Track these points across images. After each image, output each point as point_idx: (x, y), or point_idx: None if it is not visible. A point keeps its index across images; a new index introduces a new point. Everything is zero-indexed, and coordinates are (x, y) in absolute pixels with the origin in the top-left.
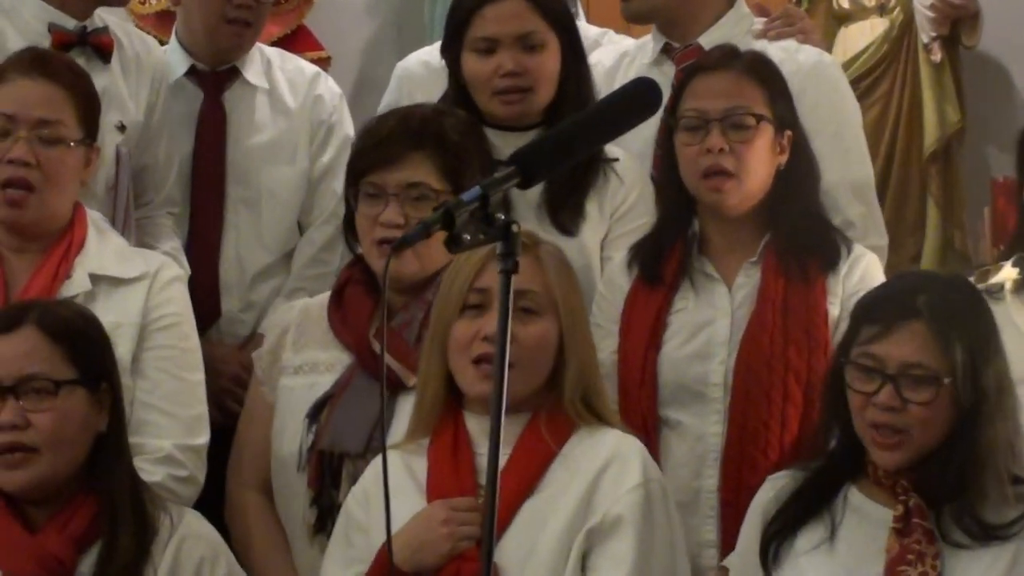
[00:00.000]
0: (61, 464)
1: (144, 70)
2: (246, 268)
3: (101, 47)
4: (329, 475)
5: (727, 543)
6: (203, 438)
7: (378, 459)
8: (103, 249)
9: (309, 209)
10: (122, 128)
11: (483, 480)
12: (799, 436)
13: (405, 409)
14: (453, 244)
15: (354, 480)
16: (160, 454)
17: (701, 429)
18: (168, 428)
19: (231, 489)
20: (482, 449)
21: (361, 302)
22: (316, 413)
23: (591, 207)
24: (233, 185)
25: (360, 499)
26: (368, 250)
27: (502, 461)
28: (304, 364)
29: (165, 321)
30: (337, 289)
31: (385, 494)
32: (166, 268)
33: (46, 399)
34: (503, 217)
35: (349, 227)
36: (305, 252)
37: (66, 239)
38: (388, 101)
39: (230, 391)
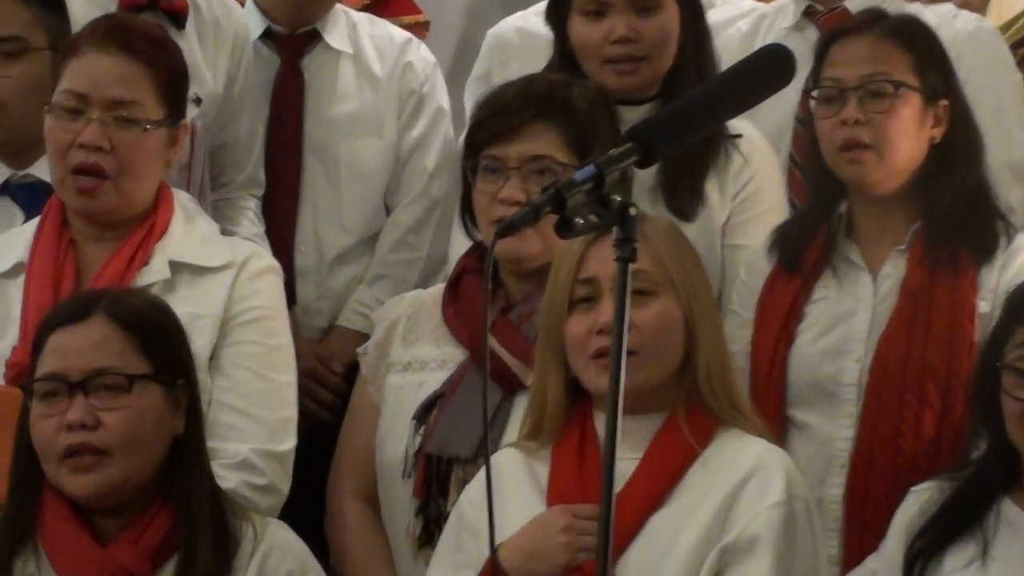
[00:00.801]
0: (134, 469)
1: (223, 36)
2: (324, 252)
3: (174, 11)
4: (436, 482)
5: (850, 559)
6: (287, 444)
7: (496, 455)
8: (188, 235)
9: (396, 187)
10: (197, 101)
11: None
12: (937, 443)
13: (522, 411)
14: (564, 228)
15: (462, 487)
16: (236, 459)
17: (830, 432)
18: (247, 431)
19: (331, 498)
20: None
21: (479, 293)
22: (425, 414)
23: (711, 189)
24: (311, 160)
25: (475, 499)
26: (486, 231)
27: (631, 466)
28: (414, 360)
29: (251, 315)
30: (453, 279)
31: (489, 505)
32: (257, 258)
33: (118, 396)
34: (619, 199)
35: (466, 207)
36: (390, 235)
37: (147, 223)
38: (478, 72)
39: (304, 388)
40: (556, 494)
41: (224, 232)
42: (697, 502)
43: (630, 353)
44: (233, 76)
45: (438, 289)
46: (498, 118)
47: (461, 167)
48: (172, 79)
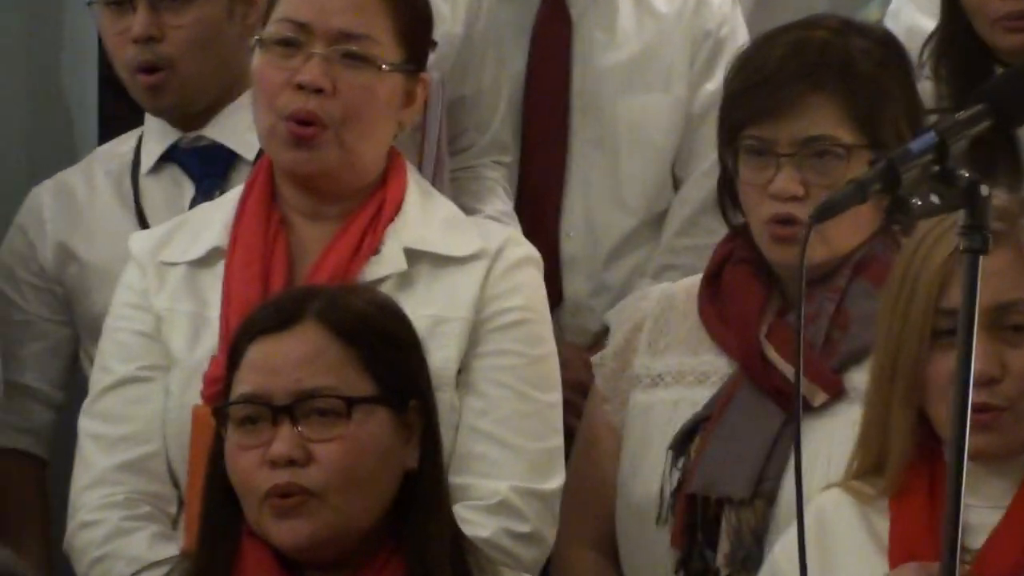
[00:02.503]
0: (354, 514)
1: None
2: (599, 237)
3: None
4: (702, 529)
5: None
6: (555, 481)
7: (818, 500)
8: (427, 217)
9: (687, 156)
10: (432, 45)
11: (972, 542)
12: None
13: (810, 437)
14: (898, 211)
15: (737, 536)
16: (492, 500)
17: None
18: (506, 465)
19: (560, 544)
20: (971, 500)
21: (747, 289)
22: (684, 443)
23: None
24: (580, 121)
25: (792, 554)
26: (758, 230)
27: (993, 517)
28: (666, 373)
29: (508, 317)
30: (712, 271)
31: (801, 553)
32: (513, 245)
33: (334, 424)
34: (967, 175)
35: (725, 192)
36: (680, 214)
37: (375, 199)
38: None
39: (570, 404)
40: (900, 551)
41: (465, 211)
42: None
43: (995, 409)
44: (475, 12)
45: (692, 282)
46: (761, 91)
47: (718, 151)
48: (414, 16)
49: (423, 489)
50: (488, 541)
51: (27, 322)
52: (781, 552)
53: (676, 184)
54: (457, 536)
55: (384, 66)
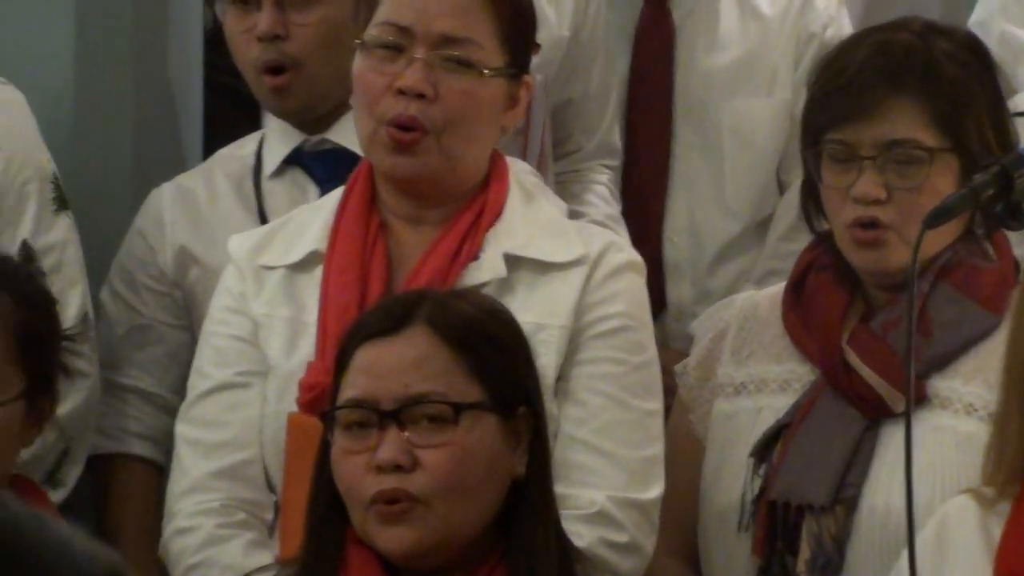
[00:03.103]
0: (460, 521)
1: None
2: (703, 242)
3: None
4: (783, 536)
5: None
6: (653, 491)
7: (944, 508)
8: (529, 221)
9: (793, 160)
10: (535, 48)
11: None
12: None
13: (891, 444)
14: (1011, 217)
15: (818, 543)
16: (590, 510)
17: None
18: (604, 474)
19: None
20: None
21: (830, 296)
22: (766, 450)
23: None
24: (683, 125)
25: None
26: (840, 235)
27: None
28: (749, 381)
29: (608, 324)
30: (796, 278)
31: (911, 559)
32: (615, 251)
33: (441, 429)
34: None
35: (809, 197)
36: (785, 219)
37: (476, 204)
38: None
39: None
40: (1008, 562)
41: (570, 214)
42: None
43: None
44: (581, 16)
45: (776, 290)
46: (844, 95)
47: (800, 153)
48: (517, 18)
49: (530, 497)
50: (585, 551)
51: (146, 326)
52: (902, 561)
53: (781, 188)
54: (564, 546)
55: (486, 71)
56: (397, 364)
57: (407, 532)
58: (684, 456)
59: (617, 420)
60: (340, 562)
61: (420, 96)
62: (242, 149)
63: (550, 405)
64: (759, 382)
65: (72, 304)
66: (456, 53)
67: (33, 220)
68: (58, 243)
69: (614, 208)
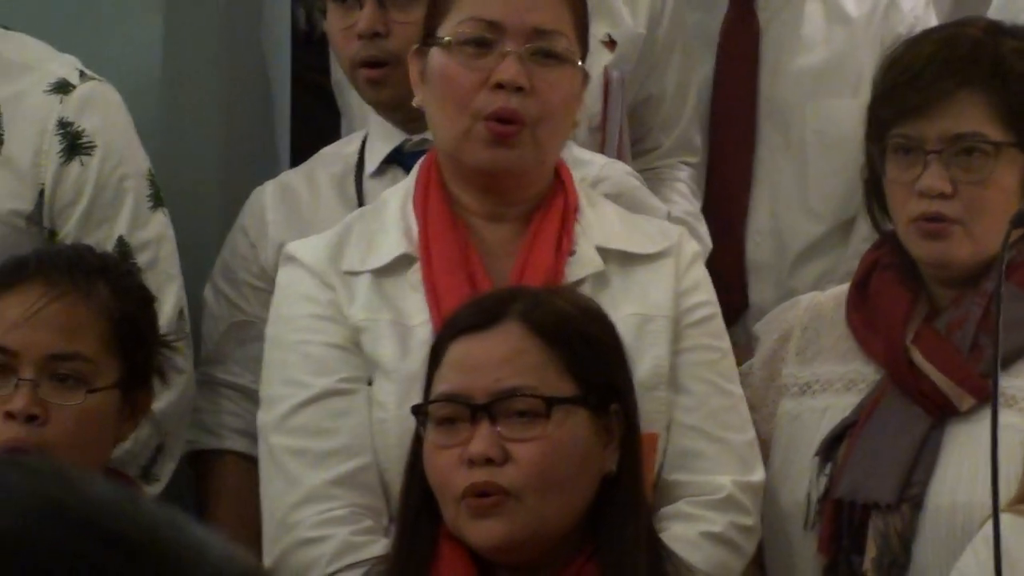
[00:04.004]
0: (551, 516)
1: None
2: (786, 242)
3: None
4: (849, 535)
5: None
6: (760, 473)
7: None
8: (601, 215)
9: None
10: (611, 44)
11: None
12: None
13: (956, 443)
14: None
15: (884, 541)
16: (720, 495)
17: None
18: (720, 460)
19: None
20: None
21: (894, 296)
22: (831, 449)
23: None
24: (768, 126)
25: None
26: (904, 230)
27: None
28: (814, 381)
29: (700, 313)
30: (860, 278)
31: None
32: (687, 240)
33: (533, 424)
34: None
35: (874, 195)
36: (868, 222)
37: (558, 200)
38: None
39: None
40: None
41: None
42: None
43: None
44: (658, 12)
45: (840, 290)
46: (910, 89)
47: (865, 148)
48: (585, 10)
49: (622, 494)
50: (720, 536)
51: (247, 323)
52: (973, 557)
53: None
54: (654, 542)
55: (578, 62)
56: (489, 359)
57: (498, 525)
58: None
59: (721, 406)
60: (432, 557)
61: (518, 89)
62: (345, 148)
63: (665, 395)
64: (824, 382)
65: (168, 300)
66: (548, 46)
67: (130, 216)
68: (154, 239)
69: (694, 205)
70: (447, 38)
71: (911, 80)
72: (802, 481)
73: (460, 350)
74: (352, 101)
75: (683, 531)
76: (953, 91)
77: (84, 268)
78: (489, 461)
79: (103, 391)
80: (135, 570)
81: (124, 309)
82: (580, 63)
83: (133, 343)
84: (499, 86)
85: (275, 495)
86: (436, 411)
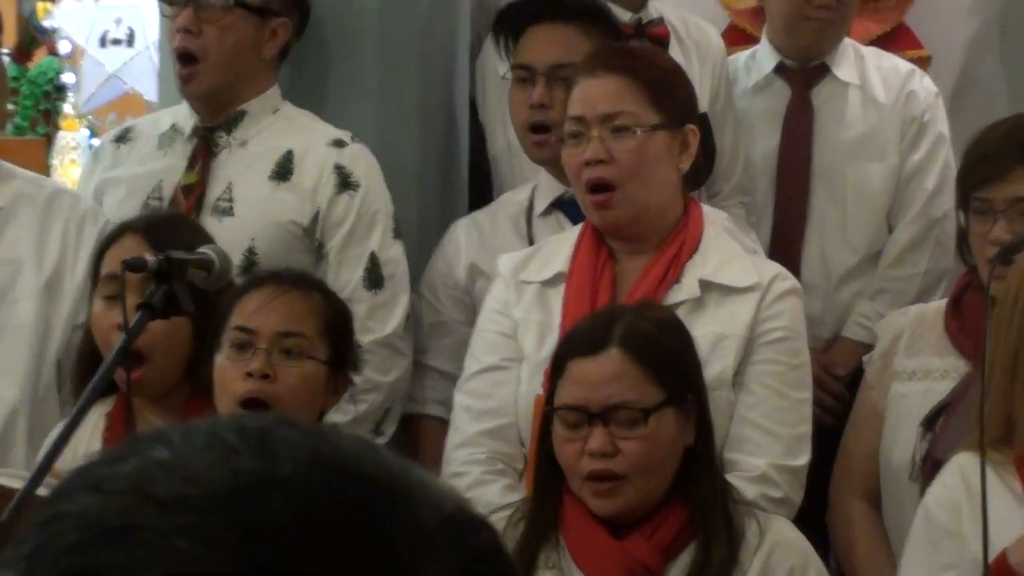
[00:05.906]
0: (651, 488)
1: (705, 58)
2: (831, 269)
3: (658, 37)
4: None
5: None
6: (802, 459)
7: (956, 461)
8: (719, 253)
9: (898, 208)
10: (693, 105)
11: None
12: None
13: None
14: None
15: None
16: (755, 472)
17: None
18: (766, 446)
19: (836, 495)
20: None
21: (980, 309)
22: (932, 421)
23: None
24: (819, 183)
25: (944, 503)
26: (982, 268)
27: None
28: (918, 370)
29: (774, 335)
30: (955, 295)
31: (984, 507)
32: (781, 280)
33: (635, 426)
34: None
35: (963, 241)
36: (891, 252)
37: (679, 239)
38: None
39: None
40: None
41: None
42: None
43: None
44: (716, 93)
45: (939, 304)
46: (984, 163)
47: (955, 207)
48: (660, 84)
49: (699, 459)
50: (752, 502)
51: (443, 323)
52: (932, 500)
53: (890, 229)
54: (725, 489)
55: (638, 130)
56: (600, 379)
57: (612, 502)
58: (869, 423)
59: (777, 406)
60: (560, 507)
61: (600, 162)
62: (519, 195)
63: (728, 394)
64: (926, 371)
65: (400, 306)
66: (616, 123)
67: (379, 239)
68: (394, 259)
69: (750, 236)
70: (563, 133)
71: (985, 157)
72: (908, 445)
73: (576, 370)
74: (509, 163)
75: None
76: (1015, 164)
77: (304, 280)
78: (604, 455)
79: (317, 363)
80: (382, 502)
81: (331, 311)
82: (655, 125)
83: (338, 335)
84: (587, 163)
85: (448, 438)
86: (563, 415)
